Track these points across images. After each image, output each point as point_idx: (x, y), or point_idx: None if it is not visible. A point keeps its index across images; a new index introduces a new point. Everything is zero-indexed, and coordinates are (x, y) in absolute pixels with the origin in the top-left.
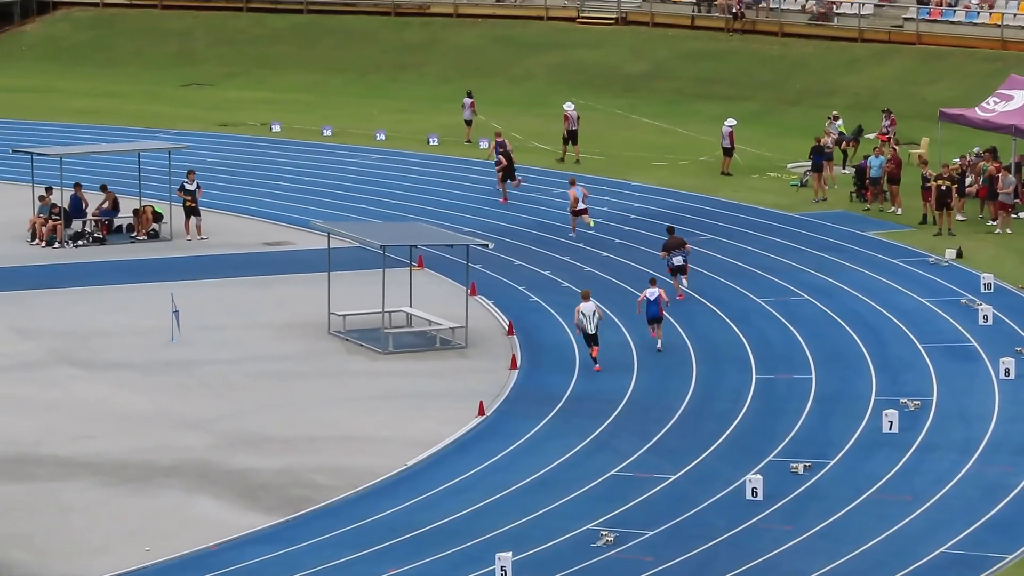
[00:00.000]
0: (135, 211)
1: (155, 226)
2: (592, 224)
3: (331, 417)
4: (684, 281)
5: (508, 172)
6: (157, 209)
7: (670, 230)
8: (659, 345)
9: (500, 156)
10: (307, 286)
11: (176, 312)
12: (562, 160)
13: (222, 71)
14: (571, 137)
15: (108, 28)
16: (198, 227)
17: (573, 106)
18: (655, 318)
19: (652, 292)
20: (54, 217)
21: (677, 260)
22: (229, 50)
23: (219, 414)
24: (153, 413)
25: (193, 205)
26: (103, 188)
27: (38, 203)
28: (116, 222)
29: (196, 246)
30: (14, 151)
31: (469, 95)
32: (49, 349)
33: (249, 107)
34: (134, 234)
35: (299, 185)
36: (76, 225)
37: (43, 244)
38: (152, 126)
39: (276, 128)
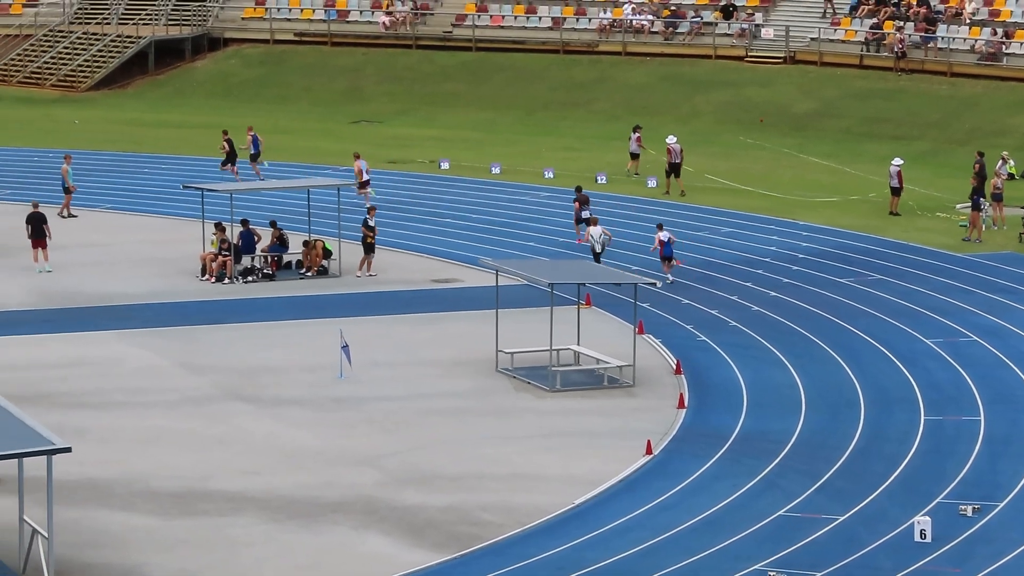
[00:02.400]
0: (305, 244)
1: (324, 262)
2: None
3: (498, 454)
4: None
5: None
6: (327, 246)
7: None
8: (669, 279)
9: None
10: (475, 323)
11: (345, 348)
12: (667, 193)
13: (391, 108)
14: (674, 170)
15: (278, 65)
16: (369, 263)
17: (676, 139)
18: (668, 256)
19: (664, 235)
20: (224, 253)
21: (585, 213)
22: (398, 87)
23: (387, 451)
24: (321, 449)
25: (372, 241)
26: (272, 224)
27: (208, 239)
28: (285, 258)
29: (365, 283)
30: (185, 187)
31: (636, 129)
32: (217, 384)
33: (418, 144)
34: (303, 270)
35: (467, 222)
36: (246, 261)
37: (213, 280)
38: (321, 163)
39: (445, 165)
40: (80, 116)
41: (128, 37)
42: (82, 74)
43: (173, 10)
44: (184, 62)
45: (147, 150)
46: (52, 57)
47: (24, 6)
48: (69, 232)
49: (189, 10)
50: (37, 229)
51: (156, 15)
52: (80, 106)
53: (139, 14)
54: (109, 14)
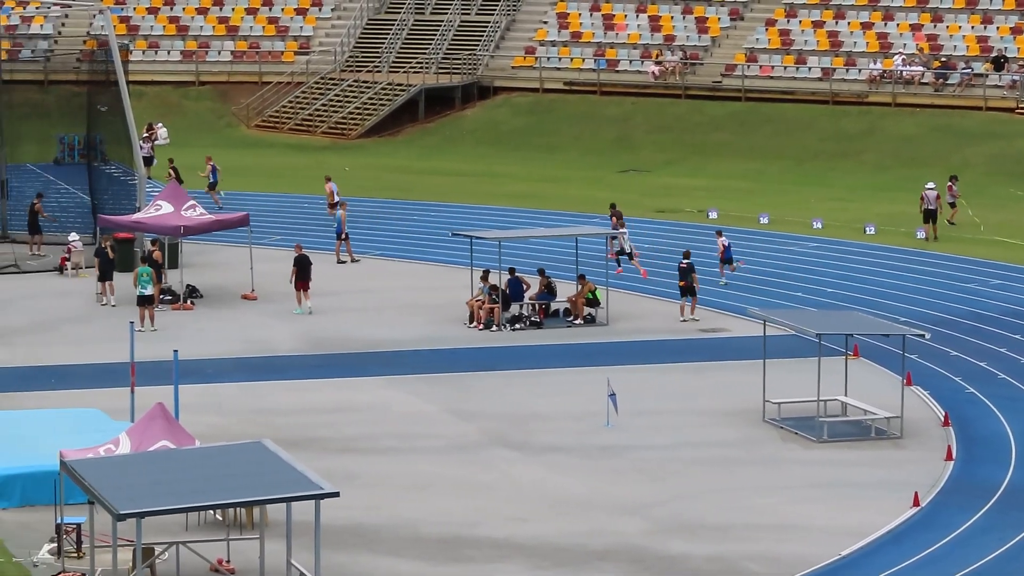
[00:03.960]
0: (580, 278)
1: (591, 311)
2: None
3: (765, 504)
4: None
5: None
6: (596, 294)
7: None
8: (723, 281)
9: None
10: (742, 373)
11: (612, 396)
12: (936, 239)
13: (659, 157)
14: (929, 216)
15: (547, 113)
16: (692, 307)
17: (934, 186)
18: (728, 259)
19: (724, 240)
20: (493, 300)
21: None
22: (667, 137)
23: (654, 499)
24: (588, 497)
25: (684, 284)
26: (540, 272)
27: (478, 285)
28: (553, 306)
29: (632, 332)
30: (454, 234)
31: (952, 179)
32: (485, 431)
33: (686, 194)
34: (571, 318)
35: (735, 272)
36: (514, 308)
37: (481, 327)
38: (589, 211)
39: (713, 215)
40: (350, 163)
41: (399, 85)
42: (352, 121)
43: (443, 59)
44: (453, 110)
45: (416, 197)
46: (323, 104)
47: (296, 53)
48: (340, 278)
49: (459, 58)
50: (302, 272)
51: (427, 63)
52: (350, 153)
53: (410, 62)
54: (380, 62)
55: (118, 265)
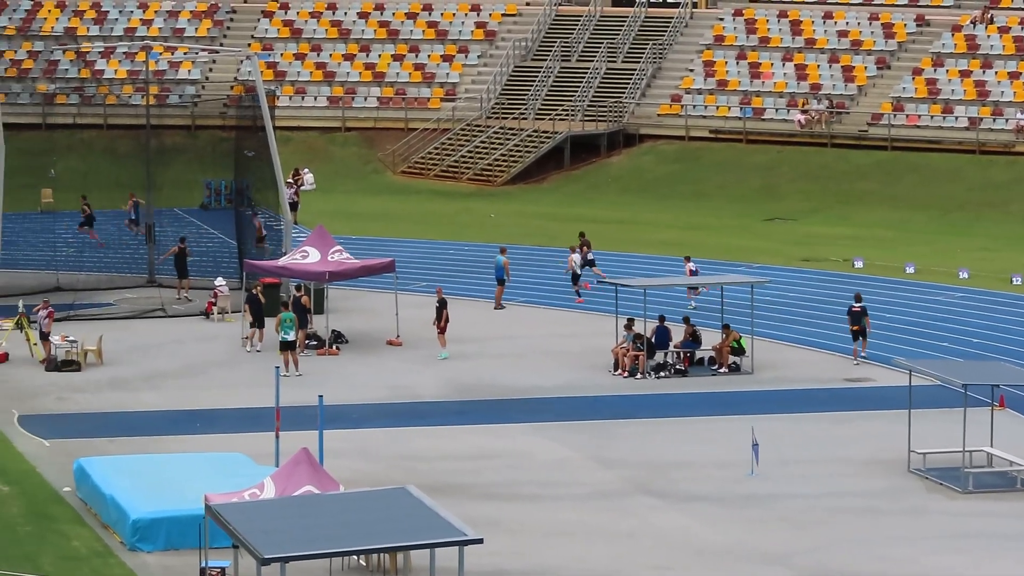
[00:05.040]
0: (724, 327)
1: (736, 359)
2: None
3: (909, 555)
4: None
5: None
6: (741, 342)
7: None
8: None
9: None
10: (887, 423)
11: (755, 445)
12: None
13: (805, 206)
14: None
15: (693, 161)
16: (863, 348)
17: None
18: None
19: (692, 265)
20: (638, 347)
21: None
22: (812, 185)
23: (796, 548)
24: (730, 546)
25: (856, 328)
26: (685, 320)
27: (622, 333)
28: (697, 354)
29: (775, 381)
30: (599, 282)
31: None
32: (628, 479)
33: (831, 243)
34: (716, 366)
35: (881, 322)
36: (659, 356)
37: (625, 374)
38: (734, 259)
39: (859, 264)
40: (496, 210)
41: (544, 132)
42: (498, 168)
43: (589, 106)
44: (599, 157)
45: (561, 244)
46: (469, 151)
47: (442, 100)
48: (485, 324)
49: (605, 106)
50: (440, 315)
51: (572, 111)
52: (496, 200)
53: (555, 110)
54: (526, 109)
55: (265, 310)
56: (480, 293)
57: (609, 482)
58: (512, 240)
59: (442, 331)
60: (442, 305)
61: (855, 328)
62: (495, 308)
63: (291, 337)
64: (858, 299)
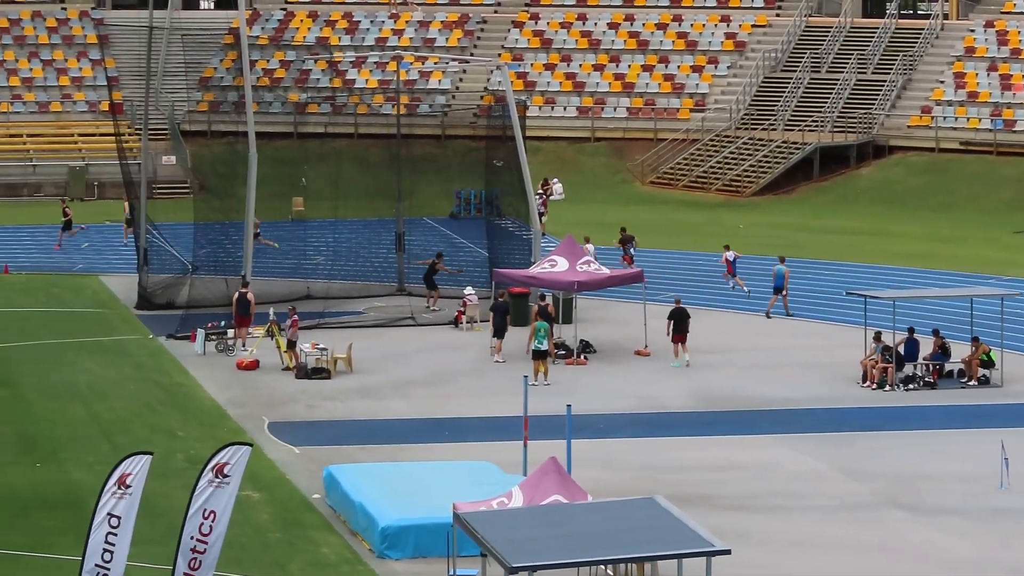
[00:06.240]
0: (974, 340)
1: (986, 372)
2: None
3: None
4: None
5: None
6: (991, 355)
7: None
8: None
9: None
10: None
11: (1006, 459)
12: None
13: None
14: None
15: (942, 173)
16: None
17: None
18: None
19: (730, 254)
20: (887, 359)
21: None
22: None
23: None
24: (979, 560)
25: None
26: (935, 333)
27: (871, 345)
28: (947, 367)
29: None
30: (848, 293)
31: None
32: (876, 491)
33: None
34: (965, 379)
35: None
36: (908, 368)
37: (873, 386)
38: (984, 272)
39: None
40: (744, 220)
41: (793, 143)
42: (747, 179)
43: (839, 117)
44: (848, 169)
45: (809, 255)
46: (718, 162)
47: (691, 111)
48: (733, 335)
49: (855, 117)
50: (679, 325)
51: (822, 122)
52: (744, 211)
53: (805, 121)
54: (775, 120)
55: (513, 320)
56: (727, 303)
57: (857, 494)
58: (761, 251)
59: (681, 340)
60: (680, 314)
61: None
62: (766, 316)
63: (544, 346)
64: None
